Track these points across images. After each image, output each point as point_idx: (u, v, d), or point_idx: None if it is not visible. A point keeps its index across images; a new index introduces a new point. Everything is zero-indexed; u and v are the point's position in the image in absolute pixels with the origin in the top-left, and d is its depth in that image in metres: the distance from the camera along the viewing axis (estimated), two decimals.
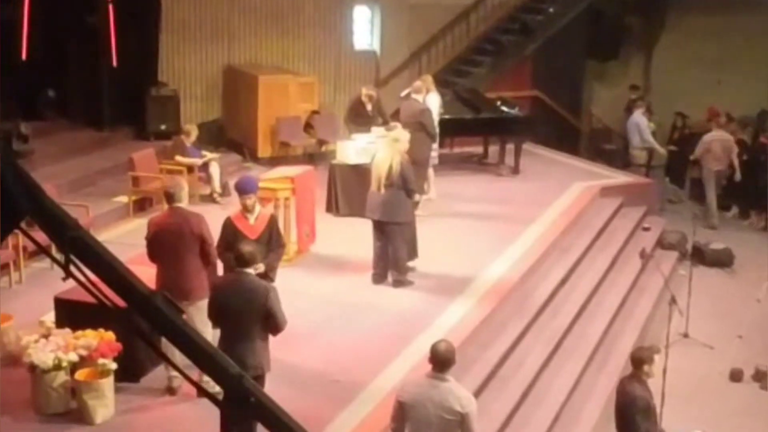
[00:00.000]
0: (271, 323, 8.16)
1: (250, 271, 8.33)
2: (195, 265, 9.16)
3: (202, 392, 3.46)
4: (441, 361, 7.33)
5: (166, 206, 9.85)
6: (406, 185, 12.11)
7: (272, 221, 9.94)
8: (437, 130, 15.50)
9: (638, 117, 19.39)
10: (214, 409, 7.82)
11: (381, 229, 12.21)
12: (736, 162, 18.55)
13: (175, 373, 9.11)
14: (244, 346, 8.04)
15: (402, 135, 12.36)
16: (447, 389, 7.29)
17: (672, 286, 12.97)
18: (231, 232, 9.61)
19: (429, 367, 7.44)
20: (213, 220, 9.71)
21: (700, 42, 21.95)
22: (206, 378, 3.33)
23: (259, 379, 8.15)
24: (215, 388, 3.32)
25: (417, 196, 12.77)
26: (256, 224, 9.73)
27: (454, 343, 7.78)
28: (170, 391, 9.32)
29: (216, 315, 8.34)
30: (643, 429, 8.63)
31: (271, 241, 9.73)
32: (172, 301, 3.20)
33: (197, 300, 8.92)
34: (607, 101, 23.36)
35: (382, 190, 12.06)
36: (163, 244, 9.17)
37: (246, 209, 9.76)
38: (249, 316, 8.13)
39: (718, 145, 18.57)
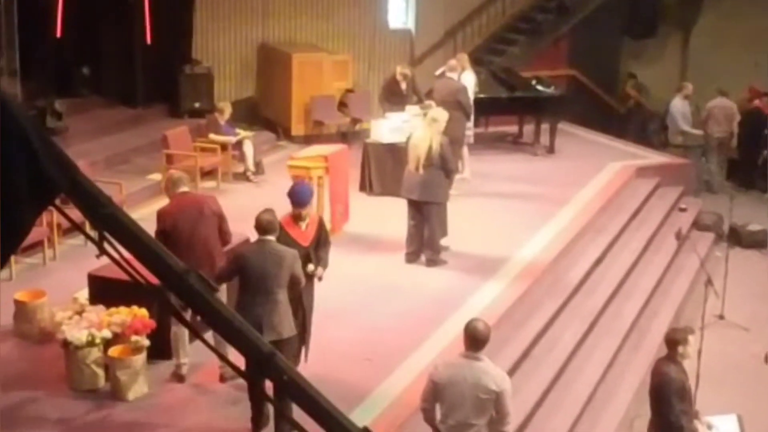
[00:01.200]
0: (296, 284, 8.46)
1: (271, 237, 8.42)
2: (215, 244, 9.19)
3: (234, 369, 3.43)
4: (478, 340, 7.32)
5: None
6: (445, 165, 12.06)
7: (321, 224, 9.57)
8: (473, 108, 15.43)
9: (676, 103, 19.26)
10: (242, 387, 7.82)
11: (417, 208, 12.17)
12: (735, 129, 19.00)
13: (185, 360, 9.24)
14: (271, 309, 8.21)
15: (440, 115, 12.29)
16: (481, 368, 7.28)
17: (708, 267, 12.86)
18: (283, 241, 8.90)
19: (462, 346, 7.42)
20: (246, 198, 9.71)
21: (738, 22, 21.69)
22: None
23: (290, 341, 8.28)
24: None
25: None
26: (308, 230, 9.31)
27: (488, 323, 7.75)
28: (179, 378, 9.31)
29: (228, 280, 8.50)
30: (678, 410, 8.56)
31: (320, 242, 9.38)
32: (206, 278, 3.17)
33: None
34: (644, 80, 23.15)
35: (421, 170, 12.00)
36: (183, 230, 9.06)
37: (299, 218, 9.29)
38: (276, 280, 8.30)
39: (720, 112, 18.92)
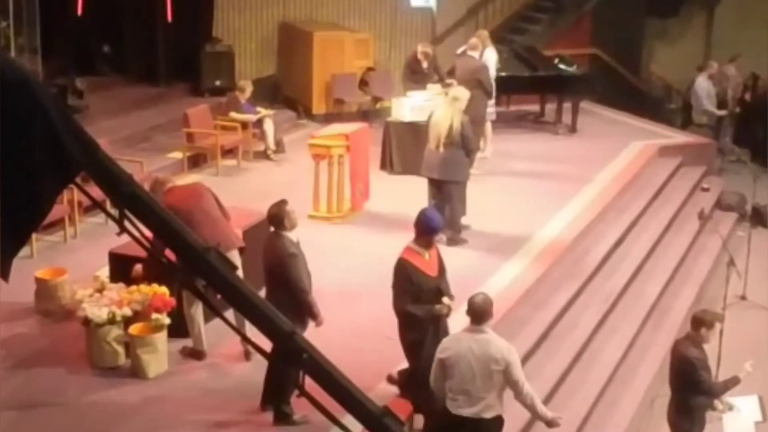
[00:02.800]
0: (291, 287, 8.24)
1: (282, 231, 8.37)
2: (219, 217, 9.25)
3: (254, 347, 3.43)
4: (477, 313, 7.39)
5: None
6: (465, 144, 12.02)
7: (438, 250, 8.77)
8: (494, 86, 15.35)
9: (701, 82, 19.19)
10: (262, 366, 7.82)
11: (438, 187, 12.13)
12: (730, 94, 19.48)
13: (203, 345, 9.25)
14: (273, 304, 8.06)
15: (462, 93, 12.24)
16: (486, 340, 7.33)
17: (730, 247, 12.80)
18: (411, 275, 8.29)
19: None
20: (267, 176, 9.67)
21: (763, 0, 21.51)
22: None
23: None
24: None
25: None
26: (431, 259, 8.48)
27: (507, 303, 7.75)
28: (198, 354, 9.33)
29: None
30: (709, 386, 8.60)
31: (443, 270, 8.62)
32: (225, 256, 3.17)
33: (229, 250, 8.90)
34: (668, 59, 22.99)
35: (441, 149, 11.96)
36: (190, 211, 9.00)
37: (427, 247, 8.48)
38: (275, 276, 8.30)
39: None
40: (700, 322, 8.66)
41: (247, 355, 9.18)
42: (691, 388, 8.68)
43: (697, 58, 21.45)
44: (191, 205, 9.00)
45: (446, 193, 12.10)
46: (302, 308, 8.31)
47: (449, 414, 7.42)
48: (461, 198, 12.30)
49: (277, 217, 8.39)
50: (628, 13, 21.77)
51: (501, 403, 7.44)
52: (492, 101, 15.51)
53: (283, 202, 8.51)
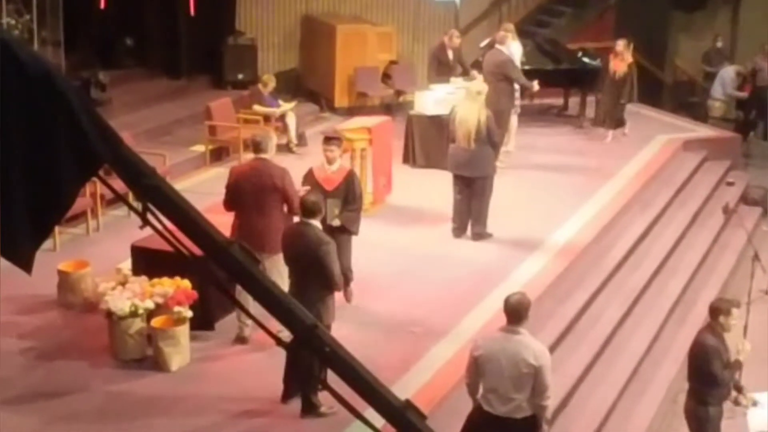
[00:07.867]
0: (327, 278, 8.22)
1: (314, 222, 8.36)
2: (274, 218, 9.10)
3: (276, 340, 3.41)
4: (512, 313, 7.31)
5: (250, 155, 9.77)
6: (491, 138, 11.97)
7: None
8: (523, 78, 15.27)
9: (728, 70, 19.11)
10: (284, 358, 7.75)
11: (468, 184, 12.05)
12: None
13: (247, 321, 9.19)
14: (300, 295, 8.03)
15: (484, 87, 12.23)
16: (521, 342, 7.24)
17: (755, 242, 12.70)
18: None
19: (505, 319, 7.40)
20: (289, 169, 9.62)
21: None
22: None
23: None
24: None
25: None
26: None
27: (531, 297, 7.69)
28: (241, 340, 9.36)
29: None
30: (721, 378, 8.53)
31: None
32: (249, 250, 3.15)
33: (273, 253, 8.88)
34: (692, 53, 22.86)
35: (473, 145, 11.87)
36: (243, 194, 9.15)
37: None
38: (305, 266, 8.25)
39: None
40: (717, 310, 8.63)
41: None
42: (706, 378, 8.64)
43: (723, 51, 21.30)
44: (252, 194, 9.12)
45: (477, 188, 12.03)
46: (333, 296, 8.36)
47: (482, 411, 7.41)
48: (491, 192, 12.20)
49: (316, 205, 8.40)
50: (653, 6, 21.65)
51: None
52: (517, 94, 15.43)
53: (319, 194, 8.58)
